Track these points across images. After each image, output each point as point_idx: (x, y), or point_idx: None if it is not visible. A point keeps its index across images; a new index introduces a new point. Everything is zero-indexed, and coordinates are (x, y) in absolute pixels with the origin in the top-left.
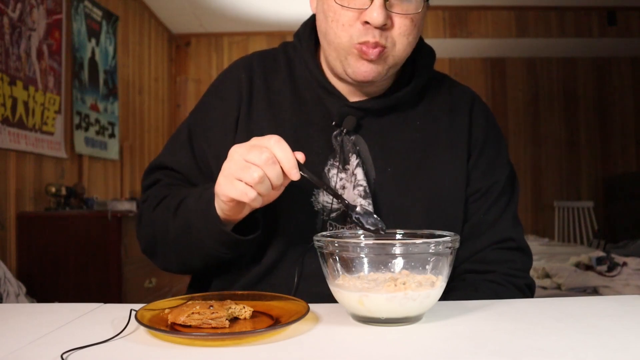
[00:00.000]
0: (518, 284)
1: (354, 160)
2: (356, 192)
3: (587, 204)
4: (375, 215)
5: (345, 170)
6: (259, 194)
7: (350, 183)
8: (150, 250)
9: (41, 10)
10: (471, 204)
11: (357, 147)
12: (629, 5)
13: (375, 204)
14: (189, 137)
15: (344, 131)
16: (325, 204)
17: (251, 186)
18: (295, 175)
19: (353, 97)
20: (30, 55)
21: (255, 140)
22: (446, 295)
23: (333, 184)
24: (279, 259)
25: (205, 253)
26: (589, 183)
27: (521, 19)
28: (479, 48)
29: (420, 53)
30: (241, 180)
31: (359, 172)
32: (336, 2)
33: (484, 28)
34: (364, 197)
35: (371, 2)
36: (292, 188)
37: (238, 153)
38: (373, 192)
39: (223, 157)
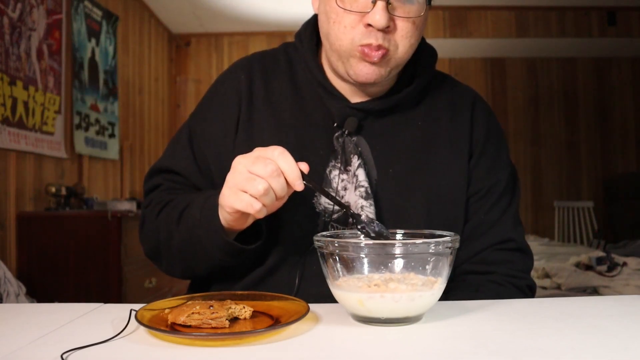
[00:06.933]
0: (519, 285)
1: (355, 161)
2: (357, 193)
3: (587, 204)
4: (377, 222)
5: (346, 171)
6: (263, 205)
7: (351, 184)
8: (154, 255)
9: (41, 10)
10: (472, 204)
11: (359, 148)
12: (629, 5)
13: (376, 205)
14: (189, 139)
15: (346, 132)
16: (326, 205)
17: (256, 198)
18: (299, 186)
19: (354, 97)
20: (30, 55)
21: (259, 151)
22: (447, 295)
23: (335, 185)
24: (280, 260)
25: (209, 261)
26: (589, 183)
27: (521, 19)
28: (479, 48)
29: (422, 53)
30: (246, 192)
31: (361, 173)
32: (338, 5)
33: (484, 28)
34: (365, 198)
35: (373, 5)
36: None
37: (242, 164)
38: (375, 192)
39: (224, 158)
